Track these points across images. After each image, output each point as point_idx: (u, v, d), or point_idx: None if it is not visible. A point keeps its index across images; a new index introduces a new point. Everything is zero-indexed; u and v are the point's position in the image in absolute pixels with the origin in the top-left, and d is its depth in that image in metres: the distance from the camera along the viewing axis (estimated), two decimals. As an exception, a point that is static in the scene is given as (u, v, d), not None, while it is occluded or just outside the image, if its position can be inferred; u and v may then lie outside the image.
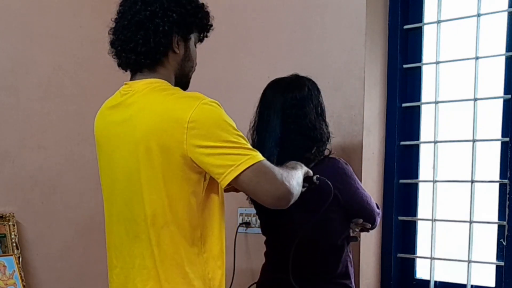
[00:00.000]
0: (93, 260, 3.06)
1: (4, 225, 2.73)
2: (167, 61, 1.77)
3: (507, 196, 2.31)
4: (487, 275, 2.42)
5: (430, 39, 2.55)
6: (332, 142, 2.16)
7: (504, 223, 2.32)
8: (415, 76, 2.60)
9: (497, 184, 2.38)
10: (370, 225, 2.21)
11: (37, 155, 2.86)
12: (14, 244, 2.74)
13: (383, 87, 2.62)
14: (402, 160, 2.62)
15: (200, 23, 1.81)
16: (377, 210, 2.21)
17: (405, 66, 2.60)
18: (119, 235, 1.79)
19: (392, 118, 2.60)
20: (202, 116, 1.60)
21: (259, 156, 1.63)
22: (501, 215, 2.36)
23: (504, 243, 2.33)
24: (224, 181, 1.61)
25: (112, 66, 3.24)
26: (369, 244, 2.60)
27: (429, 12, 2.55)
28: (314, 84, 2.14)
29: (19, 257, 2.73)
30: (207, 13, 1.83)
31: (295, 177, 1.73)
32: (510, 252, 2.31)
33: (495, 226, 2.38)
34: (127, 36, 1.75)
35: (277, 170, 1.66)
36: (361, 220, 2.17)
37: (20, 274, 2.69)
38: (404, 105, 2.61)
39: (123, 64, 1.82)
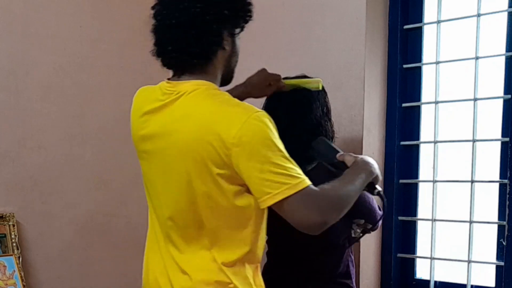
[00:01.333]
0: (93, 260, 3.06)
1: (4, 225, 2.73)
2: (216, 59, 1.70)
3: (507, 196, 2.31)
4: (487, 275, 2.42)
5: (430, 39, 2.55)
6: (335, 141, 2.16)
7: (504, 223, 2.32)
8: (415, 76, 2.60)
9: (497, 184, 2.37)
10: (371, 226, 2.21)
11: (37, 155, 2.86)
12: (14, 244, 2.73)
13: (383, 87, 2.62)
14: (402, 160, 2.62)
15: (247, 16, 1.73)
16: (379, 212, 2.21)
17: (405, 66, 2.60)
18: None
19: (392, 118, 2.60)
20: (249, 133, 1.54)
21: (301, 184, 1.55)
22: (501, 215, 2.36)
23: (504, 243, 2.33)
24: (265, 203, 1.58)
25: (112, 66, 3.26)
26: (369, 244, 2.60)
27: (429, 12, 2.55)
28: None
29: (19, 257, 2.72)
30: (251, 4, 1.74)
31: (342, 196, 1.65)
32: (510, 252, 2.31)
33: (495, 226, 2.38)
34: (178, 35, 1.65)
35: (318, 197, 1.58)
36: (362, 221, 2.17)
37: (20, 274, 2.69)
38: (404, 105, 2.61)
39: (170, 64, 1.73)
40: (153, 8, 1.72)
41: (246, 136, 1.54)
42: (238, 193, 1.63)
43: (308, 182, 1.57)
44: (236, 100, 1.65)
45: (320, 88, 2.10)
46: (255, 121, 1.55)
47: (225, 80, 1.78)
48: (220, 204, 1.65)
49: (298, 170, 1.58)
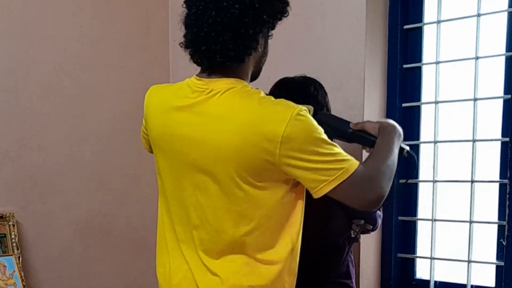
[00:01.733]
0: (93, 260, 3.06)
1: (4, 225, 2.73)
2: (248, 60, 1.67)
3: (507, 196, 2.31)
4: (487, 275, 2.42)
5: (430, 39, 2.55)
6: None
7: (504, 223, 2.32)
8: (415, 76, 2.60)
9: (497, 184, 2.38)
10: (371, 227, 2.21)
11: (37, 155, 2.86)
12: (14, 244, 2.73)
13: (383, 87, 2.62)
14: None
15: (284, 16, 1.70)
16: (379, 212, 2.21)
17: (405, 66, 2.60)
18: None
19: (392, 118, 2.58)
20: (296, 130, 1.55)
21: (352, 166, 1.58)
22: (501, 215, 2.36)
23: (504, 243, 2.33)
24: (317, 195, 1.60)
25: (112, 66, 3.25)
26: (369, 244, 2.60)
27: (429, 12, 2.55)
28: (321, 85, 2.15)
29: (19, 257, 2.72)
30: (289, 4, 1.71)
31: (389, 165, 1.69)
32: (510, 252, 2.31)
33: (495, 226, 2.38)
34: (213, 36, 1.60)
35: (370, 174, 1.62)
36: (362, 221, 2.17)
37: (20, 274, 2.69)
38: (404, 105, 2.61)
39: (200, 62, 1.68)
40: None
41: (294, 132, 1.54)
42: (279, 190, 1.64)
43: (357, 162, 1.60)
44: (272, 97, 1.64)
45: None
46: (299, 117, 1.56)
47: (253, 77, 1.76)
48: (259, 204, 1.64)
49: (345, 153, 1.60)
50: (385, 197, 1.65)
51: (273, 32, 1.72)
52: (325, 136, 1.59)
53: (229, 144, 1.58)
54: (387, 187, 1.66)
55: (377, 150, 1.74)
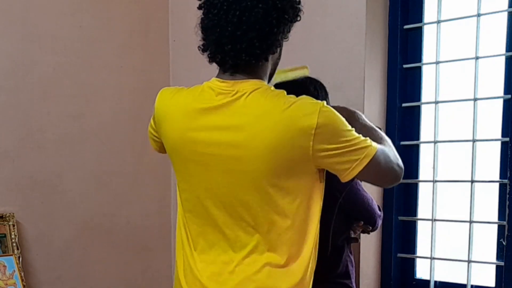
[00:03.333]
0: (93, 260, 3.06)
1: (4, 225, 2.73)
2: (267, 61, 1.70)
3: (507, 196, 2.31)
4: (487, 275, 2.42)
5: (430, 39, 2.55)
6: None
7: (504, 223, 2.32)
8: (415, 76, 2.60)
9: (497, 184, 2.38)
10: (370, 227, 2.21)
11: (37, 155, 2.86)
12: (14, 244, 2.73)
13: (383, 87, 2.62)
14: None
15: (297, 20, 1.74)
16: (378, 212, 2.21)
17: (405, 66, 2.60)
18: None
19: (392, 118, 2.61)
20: (326, 121, 1.61)
21: (374, 145, 1.66)
22: (501, 215, 2.36)
23: (504, 243, 2.33)
24: (350, 175, 1.66)
25: (112, 66, 3.25)
26: (369, 244, 2.60)
27: (429, 12, 2.55)
28: (322, 85, 2.15)
29: (19, 257, 2.72)
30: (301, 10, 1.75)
31: (388, 140, 1.80)
32: (510, 252, 2.31)
33: (495, 226, 2.38)
34: (238, 35, 1.61)
35: (388, 152, 1.72)
36: (362, 222, 2.17)
37: (20, 274, 2.69)
38: (404, 105, 2.61)
39: (223, 62, 1.68)
40: (207, 0, 1.67)
41: (325, 123, 1.60)
42: (310, 184, 1.69)
43: (375, 143, 1.68)
44: (294, 96, 1.67)
45: (307, 74, 2.09)
46: (326, 108, 1.62)
47: (268, 80, 1.78)
48: (292, 203, 1.67)
49: (363, 137, 1.67)
50: (403, 171, 1.76)
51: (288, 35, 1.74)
52: (347, 123, 1.66)
53: (263, 144, 1.61)
54: (400, 161, 1.76)
55: (368, 132, 1.78)
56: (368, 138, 1.67)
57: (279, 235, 1.69)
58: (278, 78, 2.06)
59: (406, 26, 2.59)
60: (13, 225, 2.75)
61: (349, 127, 1.65)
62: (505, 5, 2.32)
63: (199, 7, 1.70)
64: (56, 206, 2.92)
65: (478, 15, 2.39)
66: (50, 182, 2.90)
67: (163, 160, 3.33)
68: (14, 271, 2.68)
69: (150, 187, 3.29)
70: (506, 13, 2.32)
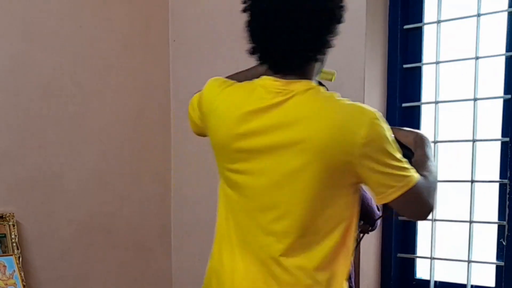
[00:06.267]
0: (93, 260, 3.06)
1: (4, 225, 2.73)
2: (317, 62, 1.69)
3: (507, 196, 2.31)
4: (487, 275, 2.42)
5: (430, 39, 2.55)
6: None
7: (504, 223, 2.32)
8: (415, 76, 2.60)
9: (497, 184, 2.38)
10: (370, 227, 2.21)
11: (37, 155, 2.86)
12: (14, 244, 2.73)
13: (383, 87, 2.62)
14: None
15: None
16: (378, 212, 2.21)
17: (405, 66, 2.60)
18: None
19: (392, 118, 2.60)
20: (376, 133, 1.57)
21: (415, 176, 1.62)
22: (501, 215, 2.36)
23: (504, 243, 2.33)
24: (384, 200, 1.62)
25: (112, 66, 3.25)
26: (369, 244, 2.60)
27: (429, 12, 2.55)
28: (322, 85, 2.14)
29: (19, 257, 2.72)
30: None
31: (435, 177, 1.73)
32: (510, 252, 2.31)
33: (495, 226, 2.39)
34: (296, 36, 1.60)
35: (427, 186, 1.65)
36: (361, 222, 2.16)
37: (20, 274, 2.69)
38: (404, 105, 2.61)
39: (280, 64, 1.66)
40: (253, 1, 1.65)
41: (375, 135, 1.57)
42: (349, 191, 1.66)
43: (417, 175, 1.63)
44: (348, 99, 1.66)
45: (333, 80, 2.07)
46: (377, 121, 1.59)
47: None
48: (339, 204, 1.65)
49: (407, 164, 1.63)
50: (433, 210, 1.70)
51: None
52: (395, 142, 1.63)
53: (315, 144, 1.59)
54: (435, 199, 1.70)
55: (423, 161, 1.75)
56: (412, 167, 1.63)
57: (309, 241, 1.66)
58: None
59: (406, 26, 2.59)
60: (13, 225, 2.75)
61: (396, 150, 1.61)
62: (505, 5, 2.32)
63: (244, 10, 1.68)
64: (56, 206, 2.92)
65: (478, 15, 2.39)
66: (50, 182, 2.90)
67: (163, 160, 3.35)
68: (14, 271, 2.68)
69: (150, 187, 3.29)
70: (506, 13, 2.32)
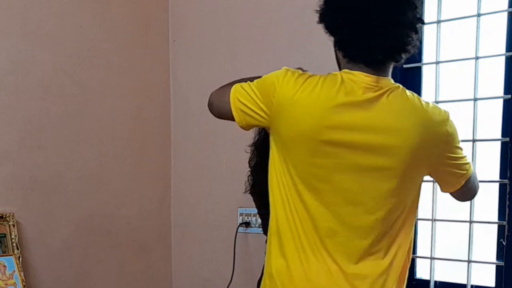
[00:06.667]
0: (93, 260, 3.06)
1: (4, 225, 2.73)
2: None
3: (507, 196, 2.31)
4: (487, 275, 2.42)
5: (430, 39, 2.55)
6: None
7: (504, 223, 2.32)
8: (415, 76, 2.60)
9: (497, 184, 2.38)
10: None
11: (37, 155, 2.86)
12: (14, 244, 2.73)
13: (383, 87, 2.61)
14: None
15: None
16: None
17: (405, 66, 2.60)
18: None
19: (392, 118, 2.60)
20: (453, 131, 1.72)
21: (470, 164, 1.81)
22: (501, 215, 2.36)
23: (504, 243, 2.33)
24: (455, 187, 1.81)
25: (112, 66, 3.25)
26: (369, 244, 2.59)
27: (429, 12, 2.55)
28: None
29: (19, 257, 2.72)
30: None
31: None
32: (510, 252, 2.31)
33: (495, 226, 2.38)
34: (401, 34, 1.64)
35: (475, 173, 1.85)
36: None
37: (20, 274, 2.69)
38: (404, 105, 2.61)
39: (373, 60, 1.66)
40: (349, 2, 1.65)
41: (452, 132, 1.72)
42: (418, 184, 1.78)
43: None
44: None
45: None
46: (451, 120, 1.73)
47: None
48: (414, 202, 1.80)
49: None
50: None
51: None
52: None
53: (406, 141, 1.64)
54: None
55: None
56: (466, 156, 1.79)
57: (386, 243, 1.74)
58: None
59: (406, 26, 2.58)
60: (13, 225, 2.75)
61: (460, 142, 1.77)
62: (505, 5, 2.32)
63: (334, 5, 1.71)
64: (56, 206, 2.92)
65: (478, 15, 2.39)
66: (50, 182, 2.90)
67: (163, 160, 3.35)
68: (14, 271, 2.68)
69: (150, 187, 3.29)
70: (506, 13, 2.32)
